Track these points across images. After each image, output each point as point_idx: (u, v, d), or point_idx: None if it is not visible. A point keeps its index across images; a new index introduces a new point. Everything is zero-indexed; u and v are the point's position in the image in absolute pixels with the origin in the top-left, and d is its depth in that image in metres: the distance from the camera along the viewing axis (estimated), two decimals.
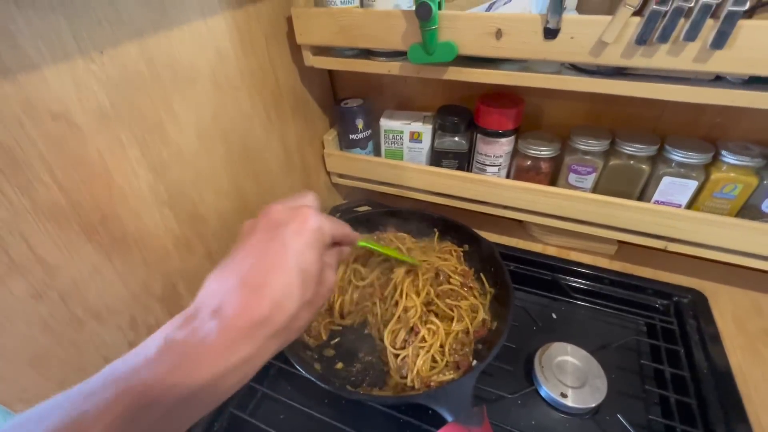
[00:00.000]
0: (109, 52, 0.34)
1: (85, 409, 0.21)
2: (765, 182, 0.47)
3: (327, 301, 0.31)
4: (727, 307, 0.55)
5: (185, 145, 0.43)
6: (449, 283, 0.52)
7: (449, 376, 0.45)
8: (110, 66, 0.34)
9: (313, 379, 0.42)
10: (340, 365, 0.48)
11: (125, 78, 0.36)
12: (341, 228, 0.34)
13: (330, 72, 0.68)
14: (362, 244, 0.41)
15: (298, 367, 0.43)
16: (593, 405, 0.45)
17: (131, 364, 0.23)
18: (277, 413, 0.48)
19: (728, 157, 0.47)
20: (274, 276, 0.27)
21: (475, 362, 0.46)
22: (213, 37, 0.44)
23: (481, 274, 0.56)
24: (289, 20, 0.53)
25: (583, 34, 0.38)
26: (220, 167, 0.49)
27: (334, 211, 0.66)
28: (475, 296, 0.52)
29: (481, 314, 0.50)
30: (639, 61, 0.38)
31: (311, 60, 0.55)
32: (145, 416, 0.22)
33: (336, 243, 0.35)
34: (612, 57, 0.38)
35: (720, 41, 0.34)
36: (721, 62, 0.35)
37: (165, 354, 0.24)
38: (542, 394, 0.47)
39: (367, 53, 0.53)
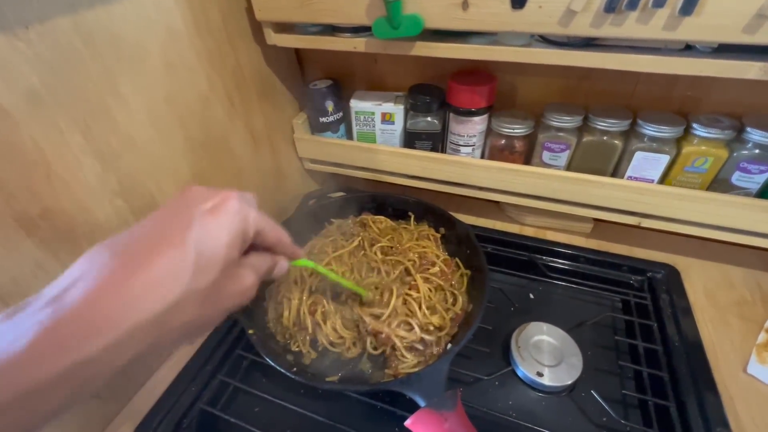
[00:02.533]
0: (37, 27, 0.31)
1: None
2: (735, 155, 0.47)
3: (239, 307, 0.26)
4: (699, 281, 0.56)
5: (137, 130, 0.40)
6: (432, 266, 0.51)
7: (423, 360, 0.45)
8: (39, 43, 0.31)
9: (284, 371, 0.41)
10: (313, 355, 0.47)
11: (59, 57, 0.33)
12: (275, 230, 0.29)
13: (297, 52, 0.65)
14: (301, 263, 0.34)
15: (268, 360, 0.42)
16: (569, 382, 0.45)
17: None
18: (251, 407, 0.46)
19: (699, 130, 0.46)
20: (161, 249, 0.21)
21: (449, 346, 0.45)
22: (160, 13, 0.41)
23: (457, 259, 0.55)
24: None
25: (552, 2, 0.37)
26: (178, 154, 0.46)
27: (308, 198, 0.64)
28: (452, 285, 0.51)
29: (458, 302, 0.50)
30: (608, 30, 0.36)
31: (273, 38, 0.52)
32: None
33: (268, 248, 0.30)
34: (581, 27, 0.37)
35: (689, 7, 0.33)
36: (689, 30, 0.34)
37: None
38: (519, 374, 0.47)
39: (332, 29, 0.50)
